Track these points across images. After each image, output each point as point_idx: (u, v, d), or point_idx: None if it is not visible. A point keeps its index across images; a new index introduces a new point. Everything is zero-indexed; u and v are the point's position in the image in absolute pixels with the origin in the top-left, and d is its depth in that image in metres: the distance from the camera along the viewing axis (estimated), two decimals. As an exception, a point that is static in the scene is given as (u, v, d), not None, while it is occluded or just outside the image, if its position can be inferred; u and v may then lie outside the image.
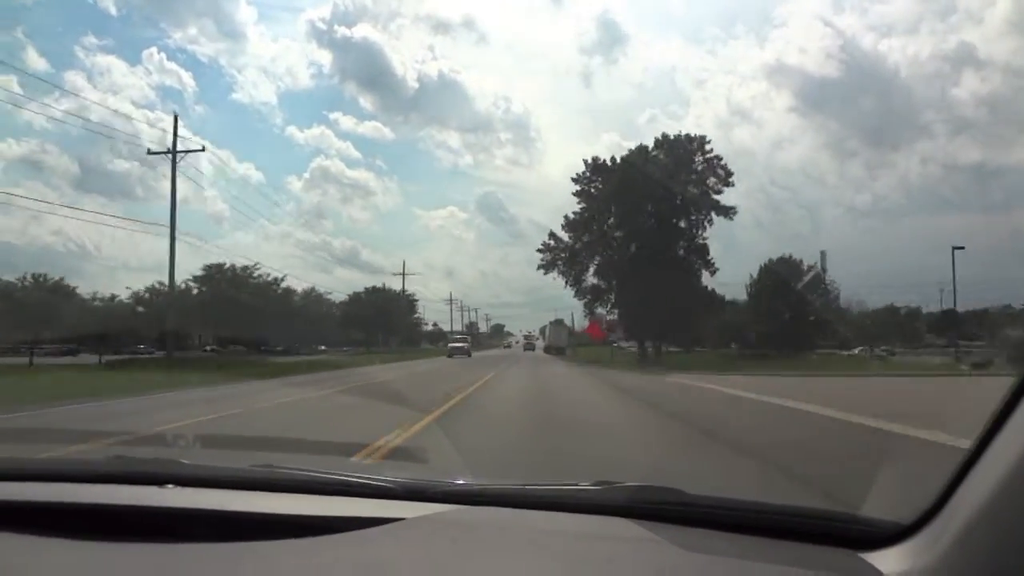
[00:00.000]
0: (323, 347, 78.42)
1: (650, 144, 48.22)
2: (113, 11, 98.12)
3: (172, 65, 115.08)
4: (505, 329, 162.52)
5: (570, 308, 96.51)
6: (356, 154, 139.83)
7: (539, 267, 49.68)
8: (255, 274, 47.89)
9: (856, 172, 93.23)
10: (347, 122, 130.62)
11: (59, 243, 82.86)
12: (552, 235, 49.91)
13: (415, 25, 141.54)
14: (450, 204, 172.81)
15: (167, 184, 31.39)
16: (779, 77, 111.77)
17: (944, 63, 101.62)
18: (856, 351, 52.60)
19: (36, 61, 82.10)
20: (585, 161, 49.14)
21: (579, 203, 48.82)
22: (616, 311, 50.28)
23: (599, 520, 1.47)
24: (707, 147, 46.37)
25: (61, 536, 1.35)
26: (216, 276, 46.01)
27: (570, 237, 49.61)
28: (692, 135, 47.71)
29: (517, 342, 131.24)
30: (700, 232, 47.05)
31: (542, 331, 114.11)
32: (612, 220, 48.19)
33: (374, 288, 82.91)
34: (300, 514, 1.44)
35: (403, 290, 71.25)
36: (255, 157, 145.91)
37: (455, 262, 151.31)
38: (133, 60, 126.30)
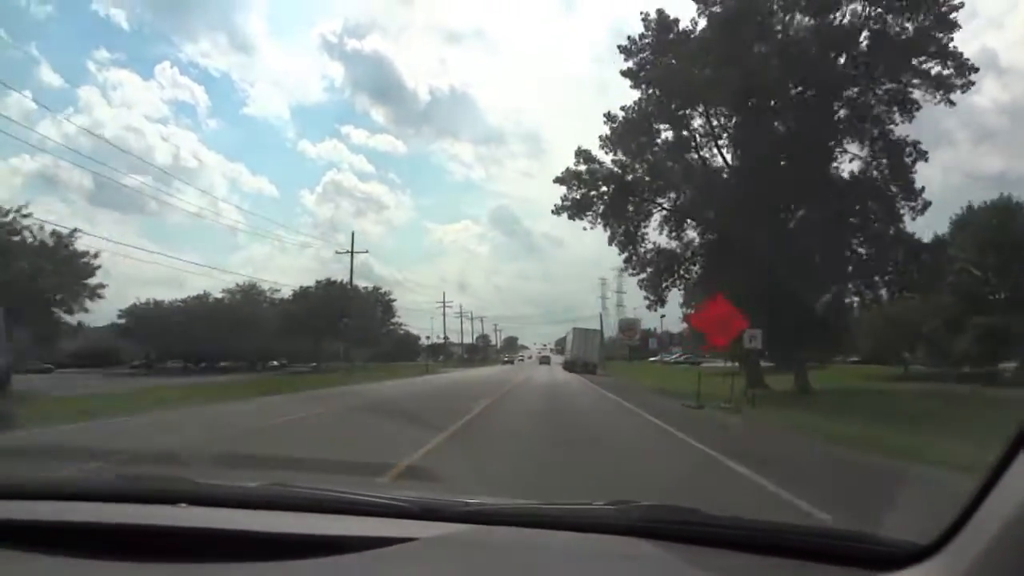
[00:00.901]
0: (276, 362, 62.35)
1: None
2: (125, 26, 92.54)
3: (185, 79, 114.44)
4: (519, 342, 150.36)
5: (587, 321, 74.59)
6: (369, 167, 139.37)
7: (555, 211, 26.99)
8: (20, 227, 25.27)
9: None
10: (359, 135, 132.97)
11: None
12: (583, 154, 26.84)
13: (426, 37, 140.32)
14: (464, 218, 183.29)
15: None
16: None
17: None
18: None
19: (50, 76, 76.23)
20: (644, 17, 26.12)
21: (633, 87, 25.84)
22: (701, 294, 26.83)
23: (614, 540, 1.45)
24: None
25: (74, 555, 1.33)
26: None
27: (615, 160, 26.62)
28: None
29: (530, 356, 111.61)
30: (899, 119, 22.73)
31: (559, 343, 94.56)
32: (702, 115, 25.28)
33: (329, 282, 60.09)
34: (315, 533, 1.43)
35: (351, 282, 48.23)
36: (268, 170, 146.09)
37: (469, 276, 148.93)
38: (146, 74, 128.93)
